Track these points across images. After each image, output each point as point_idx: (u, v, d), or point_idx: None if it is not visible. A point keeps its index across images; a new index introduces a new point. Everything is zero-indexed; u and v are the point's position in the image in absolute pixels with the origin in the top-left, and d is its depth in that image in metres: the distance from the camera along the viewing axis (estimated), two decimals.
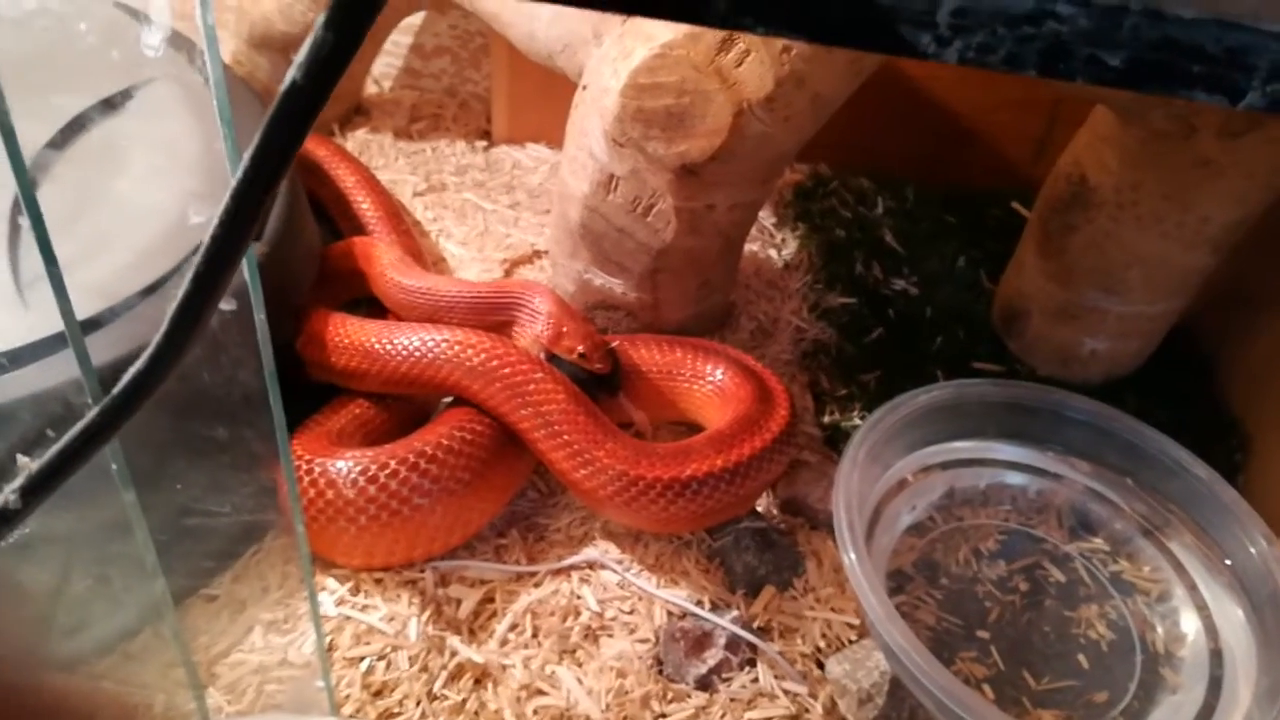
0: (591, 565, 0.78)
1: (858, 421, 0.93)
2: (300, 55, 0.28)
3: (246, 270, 0.38)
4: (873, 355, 1.00)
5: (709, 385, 0.88)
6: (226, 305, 0.33)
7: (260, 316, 0.38)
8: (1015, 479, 0.90)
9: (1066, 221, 0.96)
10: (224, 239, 0.31)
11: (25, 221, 0.39)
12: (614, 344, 0.87)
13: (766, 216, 1.17)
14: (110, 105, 0.71)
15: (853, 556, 0.71)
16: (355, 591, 0.73)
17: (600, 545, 0.79)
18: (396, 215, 1.01)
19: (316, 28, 0.27)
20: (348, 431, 0.78)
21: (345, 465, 0.71)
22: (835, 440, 0.92)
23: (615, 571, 0.77)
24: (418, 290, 0.86)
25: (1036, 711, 0.74)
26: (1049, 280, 0.98)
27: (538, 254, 1.08)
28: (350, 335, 0.80)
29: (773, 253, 1.13)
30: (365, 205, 1.01)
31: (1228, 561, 0.79)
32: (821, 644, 0.75)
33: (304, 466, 0.71)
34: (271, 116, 0.29)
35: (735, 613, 0.74)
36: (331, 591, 0.73)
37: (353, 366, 0.79)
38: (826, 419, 0.94)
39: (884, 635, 0.67)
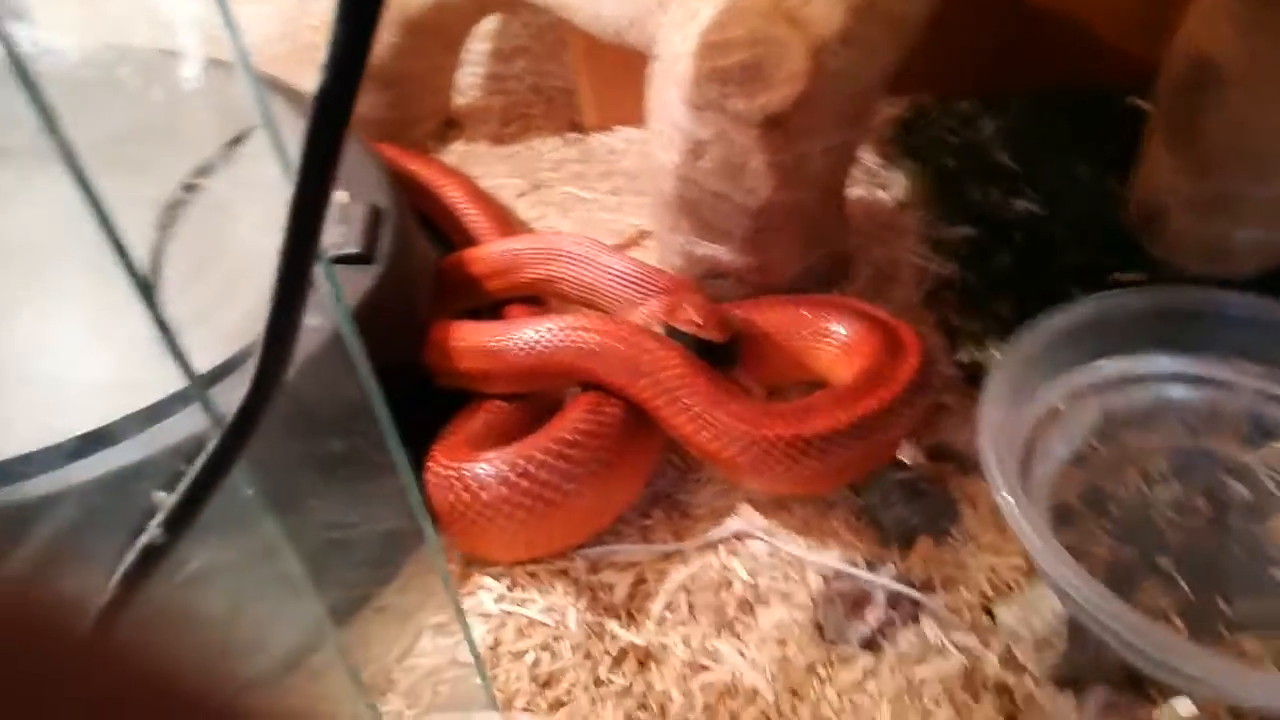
0: (739, 536, 0.77)
1: (997, 355, 0.89)
2: (324, 58, 0.28)
3: (329, 284, 0.39)
4: (1003, 283, 0.95)
5: (834, 341, 0.85)
6: (316, 320, 0.33)
7: (348, 329, 0.39)
8: (1178, 392, 0.83)
9: (1194, 105, 0.88)
10: (294, 249, 0.32)
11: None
12: (733, 312, 0.85)
13: (870, 157, 1.13)
14: (224, 157, 0.75)
15: (1006, 495, 0.67)
16: (513, 587, 0.75)
17: (745, 515, 0.78)
18: (504, 220, 1.02)
19: (331, 25, 0.28)
20: (481, 434, 0.80)
21: (491, 467, 0.72)
22: (977, 378, 0.87)
23: (763, 540, 0.76)
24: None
25: (1235, 638, 0.68)
26: (1184, 173, 0.91)
27: (644, 234, 1.08)
28: (468, 338, 0.82)
29: (881, 194, 1.09)
30: (473, 215, 1.03)
31: None
32: (989, 591, 0.72)
33: (452, 474, 0.73)
34: (312, 122, 0.29)
35: (892, 568, 0.72)
36: (490, 589, 0.75)
37: (476, 368, 0.81)
38: (964, 358, 0.90)
39: (1053, 574, 0.64)
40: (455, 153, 1.22)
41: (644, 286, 0.86)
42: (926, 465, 0.82)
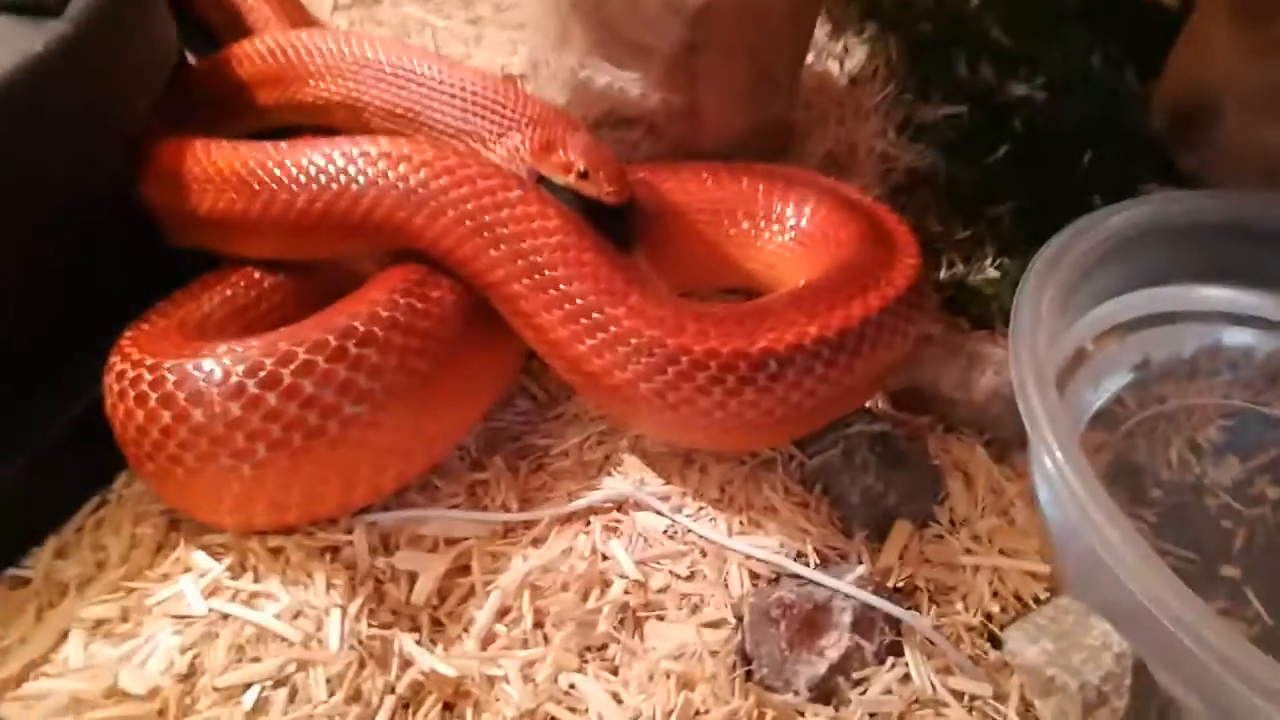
0: (622, 505, 0.49)
1: (993, 273, 0.64)
2: None
3: None
4: (999, 182, 0.71)
5: (788, 232, 0.58)
6: None
7: None
8: (1236, 338, 0.61)
9: None
10: None
11: None
12: (637, 174, 0.57)
13: (819, 23, 0.86)
14: None
15: (1057, 457, 0.43)
16: (238, 571, 0.45)
17: (632, 474, 0.51)
18: (298, 19, 0.71)
19: None
20: (215, 320, 0.49)
21: (217, 365, 0.43)
22: (964, 302, 0.63)
23: (660, 513, 0.49)
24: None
25: None
26: (1253, 58, 0.69)
27: (511, 79, 0.78)
28: (220, 162, 0.51)
29: (834, 65, 0.82)
30: (260, 16, 0.71)
31: None
32: (997, 608, 0.47)
33: (145, 374, 0.43)
34: None
35: (861, 569, 0.46)
36: (201, 572, 0.44)
37: (228, 211, 0.50)
38: (944, 273, 0.65)
39: (1139, 585, 0.39)
40: None
41: (499, 117, 0.56)
42: (898, 416, 0.56)
